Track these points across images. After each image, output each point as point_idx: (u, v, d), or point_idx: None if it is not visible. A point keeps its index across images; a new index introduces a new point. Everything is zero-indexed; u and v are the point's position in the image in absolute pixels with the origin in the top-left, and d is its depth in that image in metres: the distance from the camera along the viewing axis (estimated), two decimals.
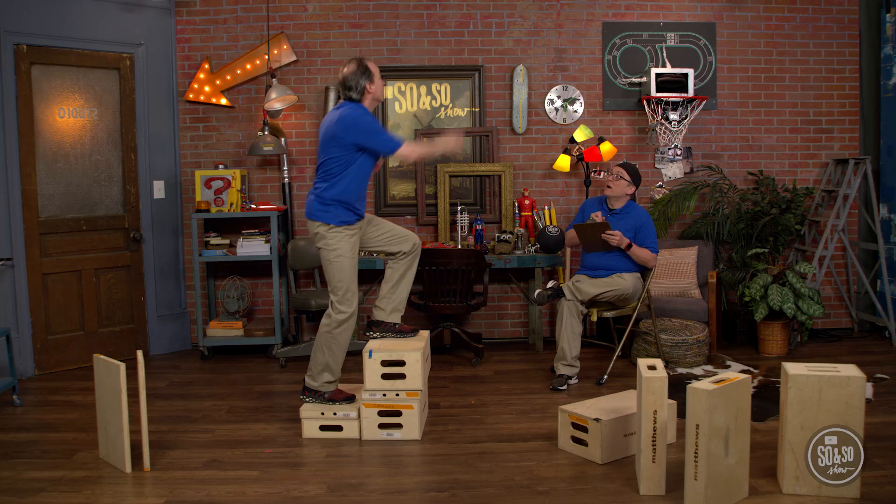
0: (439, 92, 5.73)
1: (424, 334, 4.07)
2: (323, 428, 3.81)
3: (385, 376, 3.75)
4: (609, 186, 4.75)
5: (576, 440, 3.52)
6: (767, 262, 5.54)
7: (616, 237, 4.54)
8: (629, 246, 4.58)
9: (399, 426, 3.76)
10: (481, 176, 5.78)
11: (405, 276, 3.97)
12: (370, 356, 3.74)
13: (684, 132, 5.61)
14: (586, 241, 4.70)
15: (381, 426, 3.76)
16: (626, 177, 4.72)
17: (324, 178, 3.75)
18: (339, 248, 3.72)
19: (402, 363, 3.75)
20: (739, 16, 5.79)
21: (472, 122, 5.75)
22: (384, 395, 3.75)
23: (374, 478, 3.34)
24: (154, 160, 5.51)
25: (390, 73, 5.70)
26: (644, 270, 4.75)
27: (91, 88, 5.21)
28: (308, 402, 3.83)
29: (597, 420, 3.40)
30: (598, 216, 4.66)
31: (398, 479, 3.33)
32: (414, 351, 3.75)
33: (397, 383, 3.75)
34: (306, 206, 3.82)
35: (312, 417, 3.81)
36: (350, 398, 3.83)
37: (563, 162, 5.57)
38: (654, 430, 3.04)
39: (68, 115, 5.12)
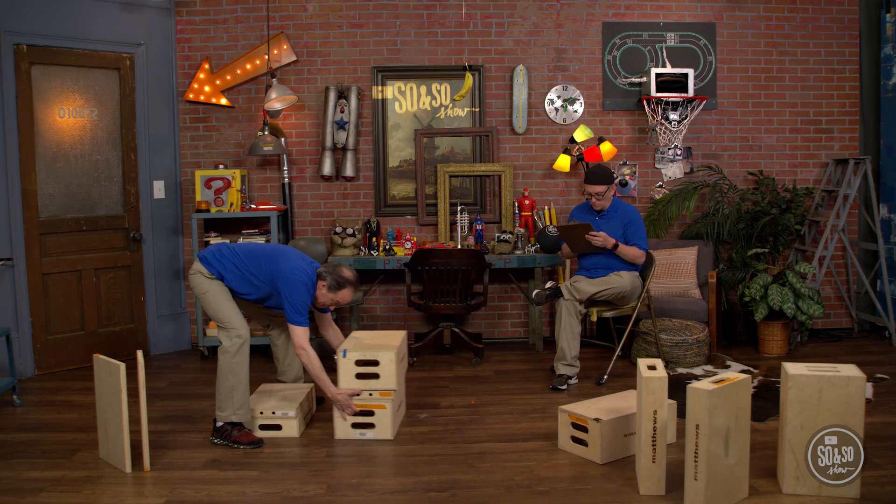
0: (439, 92, 5.73)
1: (401, 334, 4.09)
2: (263, 427, 3.82)
3: (359, 376, 3.76)
4: (596, 205, 4.72)
5: (576, 440, 3.52)
6: (767, 262, 5.54)
7: (600, 238, 4.55)
8: (615, 246, 4.59)
9: (371, 426, 3.77)
10: (481, 176, 5.78)
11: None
12: (344, 356, 3.76)
13: (684, 132, 5.61)
14: (572, 242, 4.73)
15: (355, 426, 3.78)
16: (602, 188, 4.65)
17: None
18: None
19: (375, 363, 3.76)
20: (739, 16, 5.79)
21: (472, 122, 5.75)
22: (357, 394, 3.76)
23: (374, 478, 3.34)
24: (154, 160, 5.51)
25: (390, 73, 5.70)
26: (644, 269, 4.75)
27: (91, 88, 5.21)
28: None
29: (597, 420, 3.40)
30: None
31: (398, 479, 3.33)
32: (388, 351, 3.76)
33: (371, 383, 3.76)
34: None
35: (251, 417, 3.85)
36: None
37: (563, 162, 5.58)
38: (654, 430, 3.04)
39: (68, 115, 5.12)
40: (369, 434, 3.77)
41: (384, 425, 3.77)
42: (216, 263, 3.80)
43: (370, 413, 3.76)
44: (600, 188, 4.64)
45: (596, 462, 3.41)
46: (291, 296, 3.68)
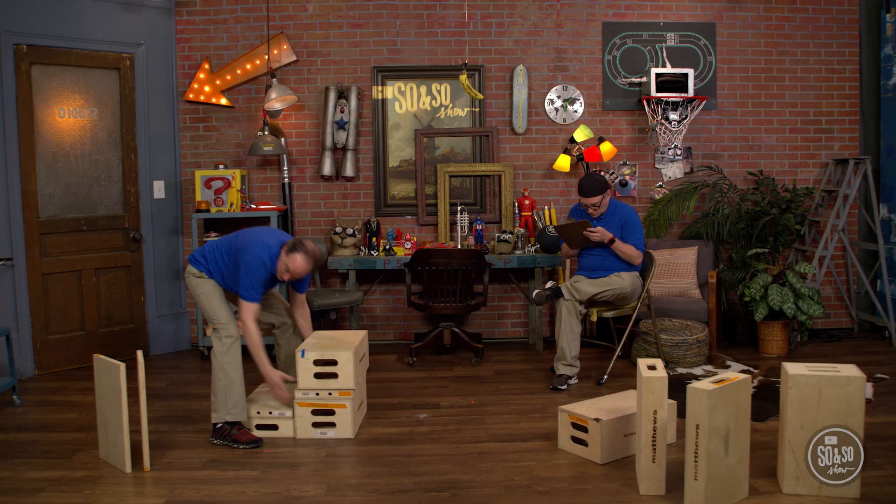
0: (439, 92, 5.73)
1: (361, 333, 4.10)
2: (259, 427, 3.84)
3: (318, 375, 3.78)
4: (593, 213, 4.71)
5: (576, 440, 3.52)
6: (767, 262, 5.54)
7: (597, 234, 4.55)
8: (612, 241, 4.58)
9: (332, 425, 3.79)
10: (481, 176, 5.78)
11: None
12: (303, 356, 3.77)
13: (684, 132, 5.61)
14: (570, 240, 4.73)
15: (315, 425, 3.80)
16: (597, 199, 4.63)
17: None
18: None
19: (334, 363, 3.77)
20: (739, 16, 5.79)
21: (472, 122, 5.75)
22: (317, 394, 3.78)
23: (374, 478, 3.34)
24: (154, 160, 5.51)
25: (390, 73, 5.70)
26: (644, 270, 4.75)
27: (91, 88, 5.21)
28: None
29: (597, 420, 3.39)
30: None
31: (398, 479, 3.33)
32: (346, 350, 3.77)
33: (329, 382, 3.78)
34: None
35: (249, 416, 3.85)
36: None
37: (563, 162, 5.58)
38: (654, 430, 3.04)
39: (68, 115, 5.12)
40: (330, 433, 3.79)
41: (345, 424, 3.79)
42: (202, 260, 3.84)
43: (331, 412, 3.78)
44: (595, 199, 4.64)
45: (596, 462, 3.41)
46: (246, 272, 3.68)
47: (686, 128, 5.60)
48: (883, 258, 5.58)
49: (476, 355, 5.22)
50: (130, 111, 5.38)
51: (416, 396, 4.47)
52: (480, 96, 5.44)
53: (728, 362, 5.03)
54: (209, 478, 3.35)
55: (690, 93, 5.48)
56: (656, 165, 5.82)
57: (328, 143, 5.60)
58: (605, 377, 4.68)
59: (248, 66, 5.62)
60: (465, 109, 5.74)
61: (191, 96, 5.61)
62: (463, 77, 5.19)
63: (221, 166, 5.52)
